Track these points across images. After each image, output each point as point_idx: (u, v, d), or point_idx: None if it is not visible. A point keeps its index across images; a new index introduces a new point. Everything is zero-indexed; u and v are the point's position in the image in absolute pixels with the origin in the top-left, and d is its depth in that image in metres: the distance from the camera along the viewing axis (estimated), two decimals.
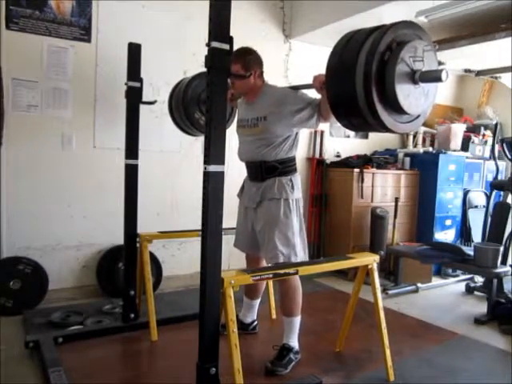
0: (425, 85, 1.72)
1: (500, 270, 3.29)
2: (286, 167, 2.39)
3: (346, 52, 1.72)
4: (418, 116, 1.83)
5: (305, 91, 2.37)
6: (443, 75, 1.64)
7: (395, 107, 1.67)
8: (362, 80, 1.63)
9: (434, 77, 1.67)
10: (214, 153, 1.66)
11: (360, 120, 1.75)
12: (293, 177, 2.40)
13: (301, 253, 2.37)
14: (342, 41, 1.78)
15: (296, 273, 2.04)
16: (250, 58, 2.34)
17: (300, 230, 2.39)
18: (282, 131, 2.33)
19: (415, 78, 1.67)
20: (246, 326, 2.77)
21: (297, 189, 2.40)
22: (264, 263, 2.56)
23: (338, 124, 1.89)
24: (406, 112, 1.69)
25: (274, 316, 3.07)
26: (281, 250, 2.29)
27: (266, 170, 2.37)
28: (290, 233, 2.32)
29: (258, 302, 2.78)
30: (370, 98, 1.62)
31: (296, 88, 2.38)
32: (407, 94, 1.66)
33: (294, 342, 2.40)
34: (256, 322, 2.82)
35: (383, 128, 1.73)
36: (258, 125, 2.35)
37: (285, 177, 2.37)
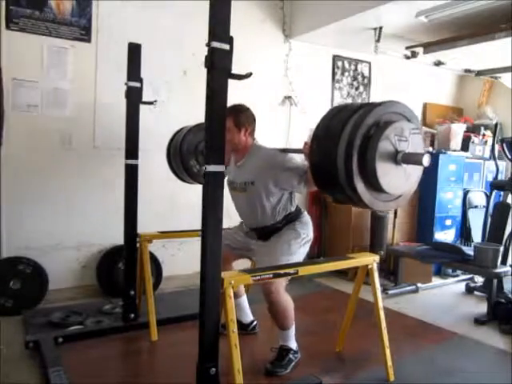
0: (407, 167, 1.71)
1: (500, 269, 3.29)
2: (288, 220, 2.37)
3: (333, 123, 1.71)
4: (399, 197, 1.80)
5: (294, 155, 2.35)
6: (425, 160, 1.64)
7: (374, 184, 1.64)
8: (343, 152, 1.61)
9: (416, 160, 1.66)
10: (213, 153, 1.66)
11: (339, 193, 1.73)
12: (298, 221, 2.38)
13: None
14: (331, 112, 1.79)
15: (296, 273, 2.04)
16: (242, 115, 2.33)
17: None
18: (272, 195, 2.31)
19: (397, 158, 1.66)
20: (246, 327, 2.76)
21: (303, 232, 2.36)
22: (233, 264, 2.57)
23: None
24: (385, 191, 1.66)
25: None
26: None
27: (269, 233, 2.37)
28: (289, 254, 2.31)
29: (244, 299, 2.76)
30: (350, 171, 1.61)
31: (285, 151, 2.36)
32: (387, 173, 1.64)
33: (292, 343, 2.40)
34: (255, 322, 2.82)
35: (362, 204, 1.71)
36: (246, 189, 2.33)
37: (290, 224, 2.37)
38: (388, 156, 1.64)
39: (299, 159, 2.27)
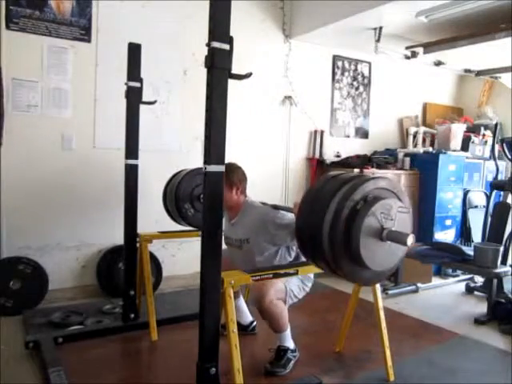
0: (392, 244, 1.71)
1: (500, 269, 3.28)
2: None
3: (322, 192, 1.72)
4: (381, 273, 1.80)
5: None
6: (409, 240, 1.64)
7: (357, 258, 1.64)
8: (329, 224, 1.61)
9: (399, 239, 1.66)
10: (213, 153, 1.66)
11: (322, 263, 1.73)
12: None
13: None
14: (322, 179, 1.81)
15: (296, 273, 2.04)
16: (233, 175, 2.34)
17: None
18: (268, 250, 2.35)
19: (382, 235, 1.66)
20: (246, 328, 2.76)
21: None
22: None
23: None
24: (367, 266, 1.65)
25: None
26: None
27: None
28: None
29: (240, 301, 2.76)
30: (334, 244, 1.61)
31: (276, 208, 2.38)
32: (372, 248, 1.65)
33: (289, 343, 2.40)
34: (255, 323, 2.82)
35: (342, 275, 1.71)
36: (242, 247, 2.39)
37: None
38: (373, 231, 1.64)
39: (291, 216, 2.27)
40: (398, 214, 1.71)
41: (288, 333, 2.39)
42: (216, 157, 1.66)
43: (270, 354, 2.38)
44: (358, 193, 1.63)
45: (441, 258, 3.62)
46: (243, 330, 2.70)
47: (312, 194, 1.79)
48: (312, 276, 2.48)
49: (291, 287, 2.36)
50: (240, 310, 2.76)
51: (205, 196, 1.69)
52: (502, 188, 3.92)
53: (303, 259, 2.38)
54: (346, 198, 1.62)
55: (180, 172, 2.99)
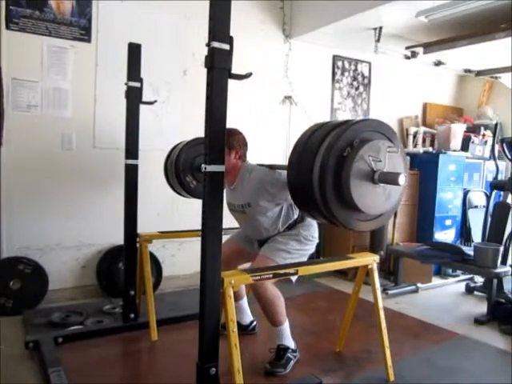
0: (387, 186, 1.69)
1: (500, 269, 3.29)
2: (292, 226, 2.42)
3: (309, 143, 1.71)
4: (379, 216, 1.79)
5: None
6: (400, 179, 1.63)
7: (350, 204, 1.63)
8: (318, 171, 1.61)
9: (391, 179, 1.65)
10: (213, 153, 1.66)
11: (316, 212, 1.72)
12: (300, 224, 2.41)
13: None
14: (309, 130, 1.79)
15: (296, 273, 2.04)
16: (233, 138, 2.34)
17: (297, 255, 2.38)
18: (271, 210, 2.35)
19: (374, 177, 1.65)
20: (245, 328, 2.76)
21: (307, 228, 2.41)
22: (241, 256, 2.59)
23: None
24: (362, 211, 1.64)
25: None
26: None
27: None
28: (293, 251, 2.35)
29: (244, 301, 2.77)
30: (325, 191, 1.60)
31: (272, 167, 2.39)
32: (365, 192, 1.63)
33: (289, 342, 2.40)
34: (255, 323, 2.82)
35: (337, 222, 1.70)
36: (245, 211, 2.39)
37: (293, 229, 2.41)
38: (364, 176, 1.62)
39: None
40: (387, 155, 1.68)
41: (286, 329, 2.38)
42: (216, 157, 1.66)
43: (270, 354, 2.38)
44: (342, 140, 1.61)
45: (441, 258, 3.63)
46: (243, 329, 2.70)
47: (299, 146, 1.77)
48: (313, 223, 2.45)
49: (300, 255, 2.38)
50: (242, 311, 2.76)
51: (205, 196, 1.69)
52: (502, 188, 3.92)
53: (308, 219, 2.42)
54: (331, 147, 1.60)
55: (178, 144, 2.97)
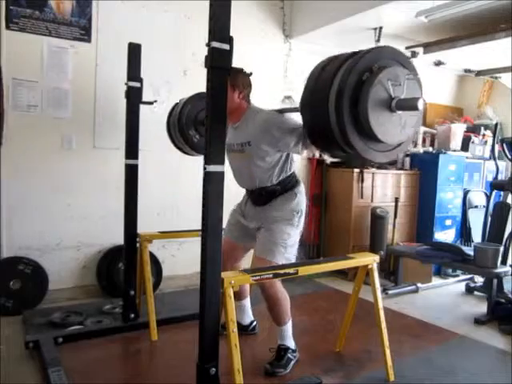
0: (403, 115, 1.65)
1: (500, 269, 3.29)
2: (286, 185, 2.34)
3: (324, 74, 1.64)
4: (397, 146, 1.75)
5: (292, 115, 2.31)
6: (419, 104, 1.59)
7: (369, 134, 1.59)
8: (334, 102, 1.55)
9: (410, 105, 1.61)
10: (213, 153, 1.66)
11: (335, 148, 1.68)
12: (296, 190, 2.36)
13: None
14: (321, 63, 1.72)
15: (296, 273, 2.04)
16: (238, 76, 2.28)
17: (294, 243, 2.35)
18: (269, 156, 2.27)
19: (392, 105, 1.61)
20: (246, 328, 2.76)
21: (302, 202, 2.36)
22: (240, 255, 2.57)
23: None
24: (380, 140, 1.60)
25: None
26: (278, 259, 2.27)
27: (266, 196, 2.34)
28: (287, 247, 2.31)
29: (247, 301, 2.76)
30: (343, 122, 1.55)
31: (282, 111, 2.34)
32: (382, 121, 1.59)
33: (290, 342, 2.40)
34: (255, 323, 2.82)
35: (357, 155, 1.66)
36: (243, 150, 2.30)
37: (287, 193, 2.34)
38: (382, 103, 1.57)
39: (297, 121, 2.21)
40: (405, 82, 1.63)
41: (289, 330, 2.39)
42: (216, 157, 1.66)
43: (270, 354, 2.38)
44: (360, 65, 1.56)
45: (441, 258, 3.63)
46: (243, 329, 2.70)
47: (311, 81, 1.70)
48: (303, 192, 2.41)
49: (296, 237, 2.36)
50: (244, 310, 2.75)
51: (205, 195, 1.69)
52: (502, 188, 3.92)
53: (301, 186, 2.40)
54: (348, 73, 1.54)
55: (181, 100, 2.92)
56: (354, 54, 1.67)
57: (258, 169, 2.29)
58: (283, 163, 2.33)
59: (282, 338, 2.38)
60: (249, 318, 2.80)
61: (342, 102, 1.54)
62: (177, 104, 2.96)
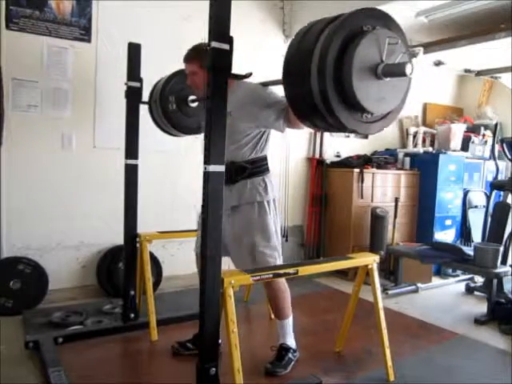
0: (391, 80, 1.54)
1: (500, 269, 3.29)
2: (256, 167, 2.30)
3: (304, 42, 1.54)
4: (383, 117, 1.65)
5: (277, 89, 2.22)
6: (407, 69, 1.47)
7: (355, 105, 1.48)
8: (316, 71, 1.44)
9: (397, 70, 1.49)
10: (213, 153, 1.66)
11: (320, 120, 1.58)
12: (265, 177, 2.32)
13: (280, 254, 2.33)
14: (303, 29, 1.63)
15: (296, 273, 2.04)
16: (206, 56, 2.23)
17: (275, 232, 2.31)
18: (247, 129, 2.23)
19: (378, 71, 1.49)
20: (184, 344, 2.53)
21: (271, 190, 2.32)
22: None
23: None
24: (365, 108, 1.49)
25: (272, 316, 3.07)
26: (262, 250, 2.23)
27: (235, 172, 2.26)
28: (268, 234, 2.26)
29: None
30: (326, 93, 1.44)
31: (266, 84, 2.27)
32: (367, 88, 1.47)
33: (291, 341, 2.40)
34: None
35: (344, 128, 1.55)
36: None
37: (256, 178, 2.29)
38: (367, 69, 1.46)
39: (279, 96, 2.15)
40: (391, 46, 1.51)
41: (290, 327, 2.39)
42: (216, 157, 1.66)
43: (271, 353, 2.38)
44: (345, 26, 1.46)
45: (441, 258, 3.63)
46: (183, 346, 2.50)
47: (291, 50, 1.59)
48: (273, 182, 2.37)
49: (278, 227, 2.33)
50: None
51: (205, 196, 1.69)
52: (502, 188, 3.92)
53: (269, 176, 2.35)
54: (332, 34, 1.44)
55: (161, 79, 2.87)
56: (338, 16, 1.58)
57: (232, 140, 2.18)
58: (257, 141, 2.29)
59: (283, 335, 2.38)
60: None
61: (324, 67, 1.43)
62: (158, 81, 2.90)
